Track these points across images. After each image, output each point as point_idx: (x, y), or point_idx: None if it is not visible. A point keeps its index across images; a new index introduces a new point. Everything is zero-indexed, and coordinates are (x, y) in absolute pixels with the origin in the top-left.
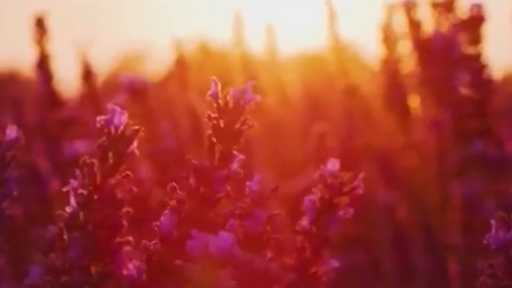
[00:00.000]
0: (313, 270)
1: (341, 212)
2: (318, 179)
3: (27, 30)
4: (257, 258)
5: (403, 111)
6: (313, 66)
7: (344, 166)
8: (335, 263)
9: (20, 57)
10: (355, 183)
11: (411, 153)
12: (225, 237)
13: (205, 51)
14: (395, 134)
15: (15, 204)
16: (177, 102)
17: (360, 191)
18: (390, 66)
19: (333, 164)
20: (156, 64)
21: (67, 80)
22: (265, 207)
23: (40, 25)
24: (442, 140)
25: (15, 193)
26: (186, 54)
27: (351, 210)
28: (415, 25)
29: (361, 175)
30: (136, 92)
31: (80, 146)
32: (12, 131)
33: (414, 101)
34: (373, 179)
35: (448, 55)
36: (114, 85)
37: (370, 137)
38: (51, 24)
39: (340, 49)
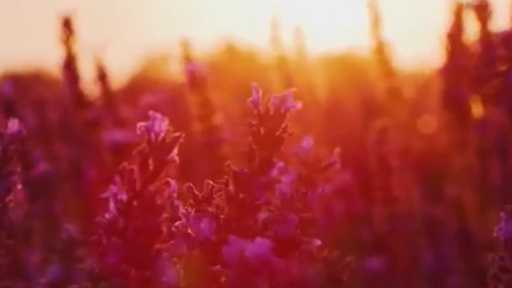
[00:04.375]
0: (298, 250)
1: (319, 189)
2: (293, 157)
3: (54, 30)
4: (292, 265)
5: (465, 110)
6: (346, 67)
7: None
8: (318, 242)
9: (45, 57)
10: (332, 159)
11: (471, 151)
12: (261, 243)
13: (232, 52)
14: (438, 134)
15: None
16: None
17: (337, 166)
18: (454, 64)
19: (307, 141)
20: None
21: (93, 80)
22: (297, 210)
23: (67, 25)
24: (495, 137)
25: (18, 186)
26: (194, 53)
27: (328, 186)
28: (481, 25)
29: (337, 150)
30: (196, 81)
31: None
32: (14, 125)
33: (476, 101)
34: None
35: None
36: (142, 84)
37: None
38: (78, 25)
39: (383, 50)
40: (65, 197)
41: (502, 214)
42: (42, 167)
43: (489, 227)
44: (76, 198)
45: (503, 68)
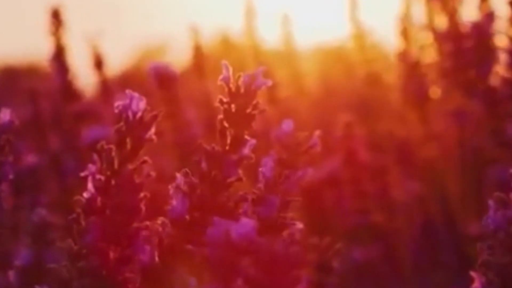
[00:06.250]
0: (281, 232)
1: (300, 172)
2: (274, 141)
3: (45, 22)
4: (277, 243)
5: (423, 101)
6: (331, 57)
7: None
8: (299, 225)
9: (39, 50)
10: (311, 142)
11: (436, 142)
12: (246, 224)
13: (224, 42)
14: (416, 124)
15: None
16: (196, 91)
17: (317, 149)
18: (409, 56)
19: (287, 125)
20: (178, 55)
21: (85, 71)
22: (279, 193)
23: (56, 16)
24: (468, 129)
25: (10, 176)
26: (203, 43)
27: (310, 170)
28: (440, 15)
29: (317, 132)
30: (163, 80)
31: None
32: (5, 115)
33: (435, 92)
34: (395, 169)
35: (480, 42)
36: (136, 75)
37: (391, 126)
38: (68, 16)
39: (361, 37)
40: (51, 190)
41: (490, 202)
42: (30, 159)
43: (469, 217)
44: (59, 191)
45: (474, 59)
